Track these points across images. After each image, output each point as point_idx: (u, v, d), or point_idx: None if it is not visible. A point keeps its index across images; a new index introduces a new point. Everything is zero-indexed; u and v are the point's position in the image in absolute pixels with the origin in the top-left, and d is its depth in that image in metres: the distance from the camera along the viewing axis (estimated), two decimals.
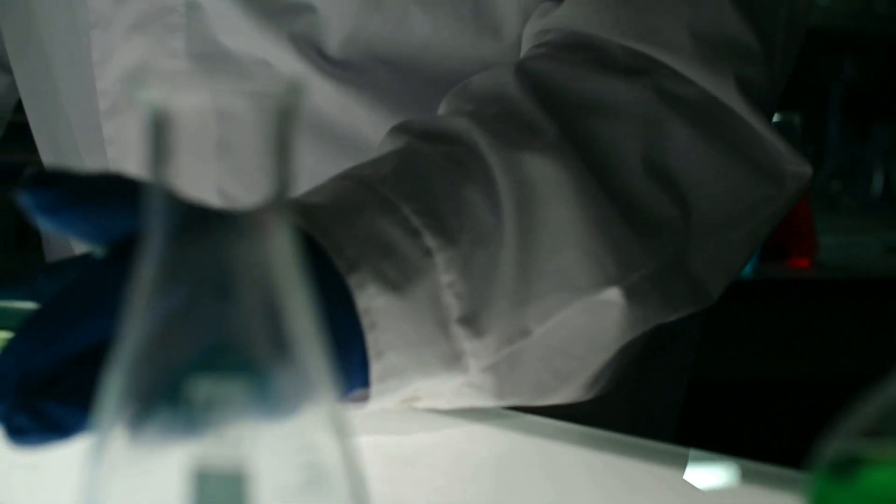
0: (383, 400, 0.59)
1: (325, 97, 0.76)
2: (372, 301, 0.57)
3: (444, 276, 0.59)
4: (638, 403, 0.83)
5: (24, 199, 0.45)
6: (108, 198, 0.46)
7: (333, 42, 0.76)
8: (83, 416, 0.44)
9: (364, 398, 0.58)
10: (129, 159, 0.80)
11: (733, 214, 0.69)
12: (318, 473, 0.34)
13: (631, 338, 0.65)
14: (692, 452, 0.60)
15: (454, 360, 0.60)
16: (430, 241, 0.59)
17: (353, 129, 0.76)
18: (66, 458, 0.46)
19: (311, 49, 0.75)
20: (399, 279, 0.58)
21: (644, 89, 0.67)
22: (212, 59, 0.77)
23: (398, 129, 0.65)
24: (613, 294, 0.63)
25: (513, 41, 0.76)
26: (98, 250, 0.48)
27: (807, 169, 0.70)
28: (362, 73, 0.76)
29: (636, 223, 0.64)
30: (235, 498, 0.32)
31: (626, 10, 0.69)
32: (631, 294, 0.63)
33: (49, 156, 0.90)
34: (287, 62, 0.75)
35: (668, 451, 0.61)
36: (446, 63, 0.76)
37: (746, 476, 0.57)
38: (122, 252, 0.46)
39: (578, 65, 0.68)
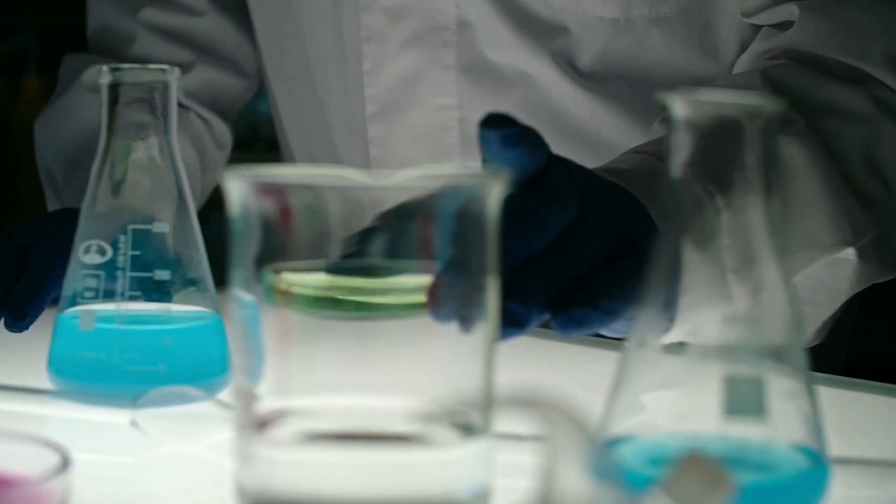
0: (682, 328, 0.72)
1: (577, 105, 0.89)
2: None
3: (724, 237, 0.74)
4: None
5: (488, 136, 0.56)
6: (535, 140, 0.58)
7: (585, 58, 0.88)
8: (536, 314, 0.54)
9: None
10: (390, 156, 0.93)
11: None
12: (793, 391, 0.46)
13: (857, 291, 0.82)
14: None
15: (726, 302, 0.75)
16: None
17: (597, 131, 0.90)
18: None
19: (567, 64, 0.88)
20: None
21: (864, 96, 0.82)
22: (478, 72, 0.89)
23: (666, 120, 0.79)
24: (849, 253, 0.80)
25: (728, 63, 0.89)
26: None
27: None
28: (605, 84, 0.89)
29: (859, 201, 0.80)
30: (757, 398, 0.45)
31: (843, 34, 0.83)
32: (861, 254, 0.80)
33: (303, 156, 1.01)
34: (546, 75, 0.88)
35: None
36: (671, 79, 0.89)
37: None
38: (532, 185, 0.57)
39: (810, 73, 0.82)
